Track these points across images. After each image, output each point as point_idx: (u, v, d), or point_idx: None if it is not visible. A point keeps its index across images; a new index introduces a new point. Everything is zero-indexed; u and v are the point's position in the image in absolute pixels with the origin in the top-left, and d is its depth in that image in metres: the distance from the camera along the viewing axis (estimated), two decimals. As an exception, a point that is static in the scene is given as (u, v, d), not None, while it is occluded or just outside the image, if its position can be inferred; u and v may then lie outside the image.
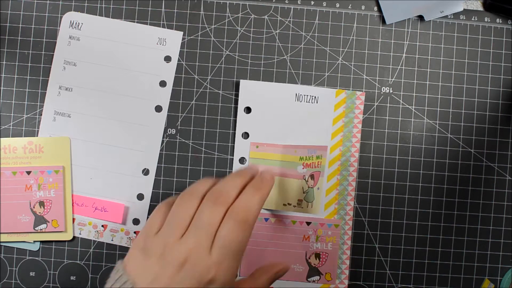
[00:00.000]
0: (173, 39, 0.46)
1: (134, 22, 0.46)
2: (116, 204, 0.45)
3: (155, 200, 0.46)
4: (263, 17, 0.46)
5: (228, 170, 0.46)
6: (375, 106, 0.46)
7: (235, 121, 0.46)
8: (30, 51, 0.46)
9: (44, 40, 0.46)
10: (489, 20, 0.47)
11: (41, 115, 0.46)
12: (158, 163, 0.46)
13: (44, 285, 0.46)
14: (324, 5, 0.47)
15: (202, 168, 0.46)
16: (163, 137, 0.46)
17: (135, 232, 0.46)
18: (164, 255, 0.32)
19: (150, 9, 0.46)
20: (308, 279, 0.45)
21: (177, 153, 0.46)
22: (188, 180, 0.46)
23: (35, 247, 0.45)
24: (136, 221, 0.46)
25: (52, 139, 0.45)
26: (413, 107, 0.46)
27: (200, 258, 0.32)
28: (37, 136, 0.46)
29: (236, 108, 0.46)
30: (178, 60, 0.46)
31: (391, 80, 0.47)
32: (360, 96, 0.45)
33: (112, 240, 0.45)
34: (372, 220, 0.46)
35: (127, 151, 0.45)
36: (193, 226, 0.33)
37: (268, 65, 0.46)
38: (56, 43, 0.46)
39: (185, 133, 0.46)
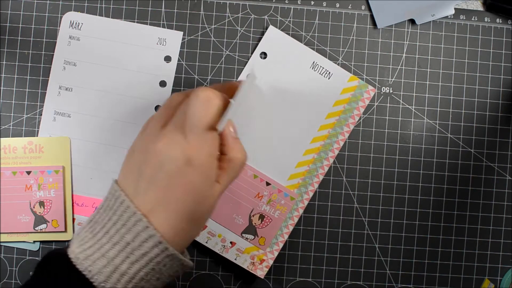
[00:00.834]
0: (173, 39, 0.46)
1: (134, 22, 0.46)
2: (116, 204, 0.45)
3: (155, 200, 0.46)
4: (263, 17, 0.46)
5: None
6: (375, 106, 0.46)
7: (235, 121, 0.46)
8: (30, 51, 0.46)
9: (44, 40, 0.46)
10: (489, 20, 0.47)
11: (41, 115, 0.46)
12: (158, 163, 0.46)
13: (44, 285, 0.46)
14: (324, 5, 0.47)
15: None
16: (163, 137, 0.46)
17: (135, 232, 0.46)
18: (145, 149, 0.34)
19: (150, 9, 0.46)
20: (243, 234, 0.45)
21: (177, 153, 0.46)
22: (188, 180, 0.46)
23: (35, 247, 0.45)
24: (136, 221, 0.46)
25: (52, 139, 0.45)
26: (413, 107, 0.46)
27: (175, 142, 0.32)
28: (37, 136, 0.46)
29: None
30: (178, 60, 0.46)
31: (391, 80, 0.47)
32: (370, 90, 0.45)
33: (112, 240, 0.45)
34: (372, 220, 0.46)
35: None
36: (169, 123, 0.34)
37: (268, 65, 0.46)
38: (56, 43, 0.46)
39: (185, 133, 0.46)
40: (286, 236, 0.45)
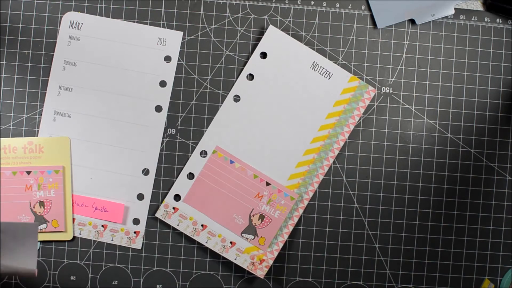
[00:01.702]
0: (173, 39, 0.46)
1: (134, 22, 0.46)
2: (116, 204, 0.45)
3: (155, 200, 0.46)
4: (263, 17, 0.46)
5: (228, 170, 0.46)
6: (375, 106, 0.46)
7: (235, 121, 0.46)
8: (30, 51, 0.46)
9: (44, 40, 0.46)
10: (489, 20, 0.47)
11: (41, 115, 0.46)
12: (158, 163, 0.46)
13: (44, 285, 0.46)
14: (324, 5, 0.47)
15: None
16: (163, 137, 0.46)
17: (135, 232, 0.46)
18: None
19: (150, 9, 0.46)
20: (243, 234, 0.45)
21: (177, 153, 0.46)
22: (188, 180, 0.46)
23: (35, 247, 0.46)
24: (136, 221, 0.46)
25: (52, 139, 0.45)
26: (413, 107, 0.46)
27: None
28: (37, 136, 0.46)
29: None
30: (178, 60, 0.46)
31: (391, 80, 0.47)
32: (370, 91, 0.45)
33: (112, 240, 0.45)
34: (372, 220, 0.46)
35: (127, 151, 0.46)
36: None
37: (268, 65, 0.46)
38: (56, 43, 0.46)
39: (185, 133, 0.46)
40: (286, 236, 0.45)
